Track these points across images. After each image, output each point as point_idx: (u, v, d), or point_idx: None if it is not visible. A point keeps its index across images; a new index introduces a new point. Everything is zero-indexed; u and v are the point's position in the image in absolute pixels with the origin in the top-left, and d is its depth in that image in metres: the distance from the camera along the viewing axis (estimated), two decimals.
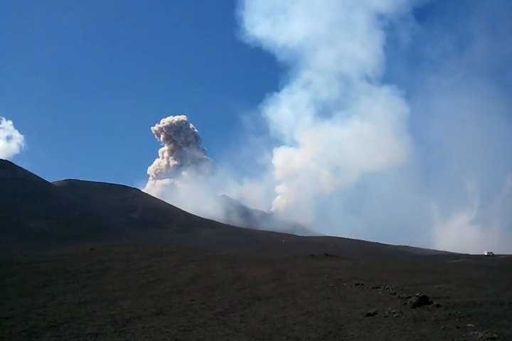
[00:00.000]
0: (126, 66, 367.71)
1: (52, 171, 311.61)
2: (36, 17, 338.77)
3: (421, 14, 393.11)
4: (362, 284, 18.93)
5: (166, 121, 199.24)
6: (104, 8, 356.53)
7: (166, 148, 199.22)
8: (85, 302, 16.38)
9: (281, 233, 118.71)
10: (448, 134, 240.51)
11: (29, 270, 25.71)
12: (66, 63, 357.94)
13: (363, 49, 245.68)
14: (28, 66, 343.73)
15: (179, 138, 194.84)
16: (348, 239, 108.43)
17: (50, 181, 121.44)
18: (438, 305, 13.65)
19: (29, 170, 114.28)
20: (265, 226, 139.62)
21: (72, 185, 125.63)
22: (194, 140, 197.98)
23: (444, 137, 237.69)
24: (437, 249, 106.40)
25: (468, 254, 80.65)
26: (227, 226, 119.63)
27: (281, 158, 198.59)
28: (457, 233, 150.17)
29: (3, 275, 23.28)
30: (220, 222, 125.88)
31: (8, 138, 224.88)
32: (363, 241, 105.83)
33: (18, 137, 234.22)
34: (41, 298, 17.04)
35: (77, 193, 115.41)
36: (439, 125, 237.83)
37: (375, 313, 13.28)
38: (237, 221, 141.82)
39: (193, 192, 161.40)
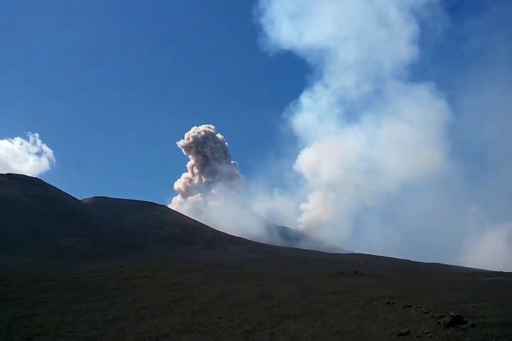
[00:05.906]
0: (153, 80, 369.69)
1: (81, 188, 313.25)
2: (58, 32, 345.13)
3: (456, 8, 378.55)
4: (393, 303, 18.44)
5: (190, 134, 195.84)
6: (126, 26, 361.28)
7: (193, 162, 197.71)
8: (113, 319, 16.38)
9: (309, 250, 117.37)
10: (496, 137, 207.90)
11: (58, 287, 25.96)
12: (92, 78, 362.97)
13: (394, 45, 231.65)
14: (52, 80, 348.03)
15: (206, 152, 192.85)
16: (378, 256, 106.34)
17: (79, 198, 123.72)
18: (473, 325, 13.13)
19: (59, 187, 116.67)
20: (295, 243, 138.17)
21: (100, 202, 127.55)
22: (223, 154, 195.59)
23: (491, 141, 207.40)
24: (470, 267, 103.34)
25: (502, 272, 78.13)
26: (255, 243, 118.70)
27: (309, 167, 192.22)
28: (491, 250, 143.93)
29: (32, 291, 23.54)
30: (248, 238, 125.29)
31: (38, 154, 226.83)
32: (393, 258, 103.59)
33: (47, 151, 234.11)
34: (70, 315, 17.12)
35: (106, 210, 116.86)
36: (485, 127, 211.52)
37: (407, 333, 12.87)
38: (267, 238, 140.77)
39: (223, 209, 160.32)
